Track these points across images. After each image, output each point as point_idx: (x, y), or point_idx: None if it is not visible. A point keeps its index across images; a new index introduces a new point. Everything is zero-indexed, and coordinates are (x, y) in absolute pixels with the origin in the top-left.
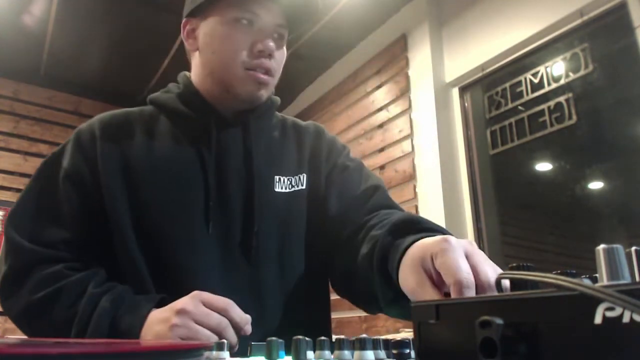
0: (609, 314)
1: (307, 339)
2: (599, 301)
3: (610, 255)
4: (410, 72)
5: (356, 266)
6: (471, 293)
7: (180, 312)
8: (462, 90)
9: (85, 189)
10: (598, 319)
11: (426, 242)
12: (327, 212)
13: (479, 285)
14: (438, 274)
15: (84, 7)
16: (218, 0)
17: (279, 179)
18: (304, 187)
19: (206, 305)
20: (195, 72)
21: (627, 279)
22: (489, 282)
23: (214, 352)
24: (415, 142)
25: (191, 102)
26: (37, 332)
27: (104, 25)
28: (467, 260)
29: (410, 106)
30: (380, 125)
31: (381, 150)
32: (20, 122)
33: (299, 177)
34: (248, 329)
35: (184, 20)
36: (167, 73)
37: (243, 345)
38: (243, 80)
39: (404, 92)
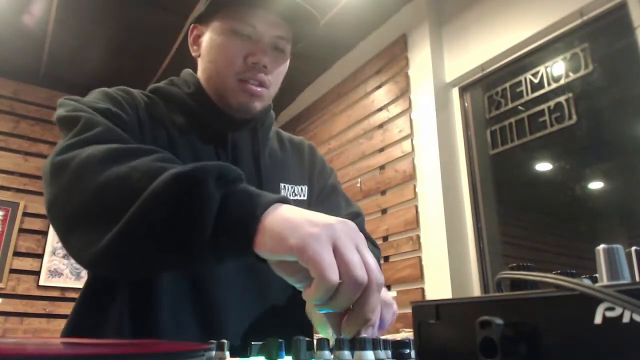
0: (609, 314)
1: (307, 339)
2: (599, 301)
3: (610, 255)
4: (410, 72)
5: None
6: None
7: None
8: (462, 90)
9: (127, 127)
10: (598, 319)
11: None
12: None
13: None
14: None
15: (84, 8)
16: (220, 11)
17: (284, 187)
18: (305, 198)
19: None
20: (200, 76)
21: (627, 279)
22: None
23: (214, 352)
24: (415, 142)
25: (204, 104)
26: (107, 177)
27: (104, 25)
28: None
29: (410, 106)
30: (380, 125)
31: (381, 150)
32: (20, 122)
33: (301, 188)
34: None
35: (191, 26)
36: (167, 73)
37: (243, 345)
38: (235, 90)
39: (404, 92)
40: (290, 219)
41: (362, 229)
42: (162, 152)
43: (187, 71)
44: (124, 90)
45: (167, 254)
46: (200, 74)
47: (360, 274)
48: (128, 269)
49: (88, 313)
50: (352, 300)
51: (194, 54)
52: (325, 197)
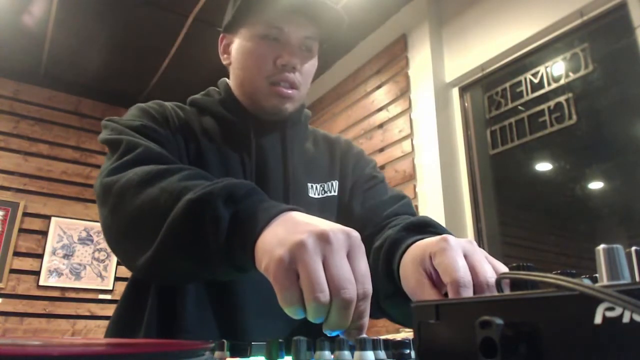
0: (609, 314)
1: (307, 339)
2: (599, 301)
3: (610, 255)
4: (410, 72)
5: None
6: (468, 293)
7: (321, 238)
8: (462, 90)
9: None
10: (598, 319)
11: (426, 242)
12: (351, 214)
13: (477, 285)
14: (437, 273)
15: (84, 7)
16: (247, 17)
17: (312, 186)
18: (335, 193)
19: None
20: (232, 83)
21: (627, 279)
22: (487, 281)
23: (215, 352)
24: (415, 142)
25: (232, 108)
26: (142, 199)
27: (104, 25)
28: (466, 260)
29: (410, 106)
30: (380, 125)
31: (381, 150)
32: (20, 122)
33: (331, 184)
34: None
35: (220, 36)
36: (167, 73)
37: (243, 345)
38: (267, 94)
39: (404, 92)
40: (273, 237)
41: (411, 207)
42: (189, 168)
43: (222, 80)
44: (157, 103)
45: (197, 270)
46: (232, 81)
47: (316, 294)
48: (168, 280)
49: (125, 313)
50: (321, 314)
51: (224, 62)
52: (362, 184)
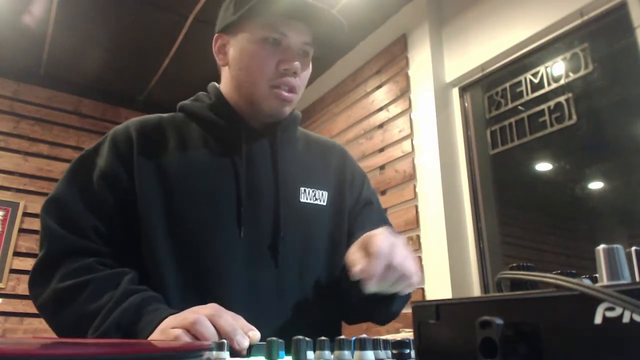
0: (609, 314)
1: (307, 339)
2: (599, 301)
3: (610, 255)
4: (410, 72)
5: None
6: (380, 263)
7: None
8: (462, 90)
9: (120, 188)
10: (598, 319)
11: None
12: (351, 239)
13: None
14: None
15: (84, 7)
16: (249, 20)
17: (304, 190)
18: (324, 204)
19: (213, 323)
20: (225, 85)
21: (627, 279)
22: (399, 264)
23: (214, 352)
24: (415, 142)
25: (222, 113)
26: (60, 322)
27: (104, 25)
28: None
29: (410, 106)
30: (380, 125)
31: (381, 150)
32: (20, 122)
33: (322, 193)
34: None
35: (215, 35)
36: (167, 73)
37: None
38: (267, 96)
39: (404, 92)
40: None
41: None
42: (93, 281)
43: (212, 84)
44: (123, 130)
45: None
46: (227, 82)
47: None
48: None
49: None
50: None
51: (220, 63)
52: (360, 210)
